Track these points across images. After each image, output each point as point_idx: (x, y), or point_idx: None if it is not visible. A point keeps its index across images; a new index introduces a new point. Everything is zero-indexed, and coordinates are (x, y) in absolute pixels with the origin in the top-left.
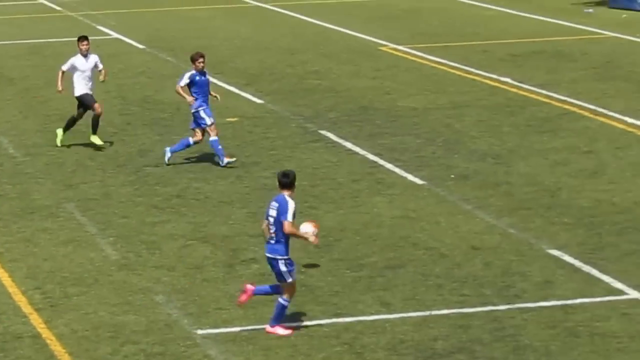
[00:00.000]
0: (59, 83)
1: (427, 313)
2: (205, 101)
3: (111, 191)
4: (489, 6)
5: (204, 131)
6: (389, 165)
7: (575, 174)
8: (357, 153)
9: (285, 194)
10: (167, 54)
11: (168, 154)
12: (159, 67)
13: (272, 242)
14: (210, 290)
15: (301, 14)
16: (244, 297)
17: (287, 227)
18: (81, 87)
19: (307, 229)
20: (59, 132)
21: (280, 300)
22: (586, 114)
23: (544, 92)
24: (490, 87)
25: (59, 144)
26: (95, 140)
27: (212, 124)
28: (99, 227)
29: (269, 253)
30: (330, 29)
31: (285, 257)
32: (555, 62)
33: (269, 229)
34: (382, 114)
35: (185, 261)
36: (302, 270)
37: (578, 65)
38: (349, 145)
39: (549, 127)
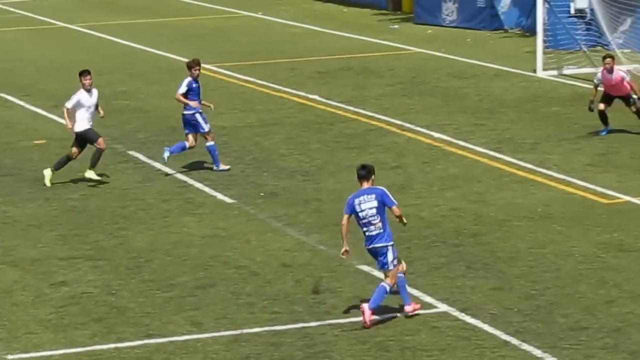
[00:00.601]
0: (67, 121)
1: (238, 332)
2: (199, 108)
3: None
4: (296, 24)
5: (196, 136)
6: (199, 185)
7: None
8: (166, 173)
9: (366, 186)
10: None
11: (166, 153)
12: None
13: (379, 231)
14: (20, 314)
15: (109, 35)
16: (368, 318)
17: (398, 209)
18: (84, 122)
19: None
20: (47, 172)
21: (384, 284)
22: (393, 129)
23: (351, 108)
24: (298, 104)
25: (48, 184)
26: (91, 175)
27: (209, 130)
28: None
29: (376, 243)
30: (138, 49)
31: (392, 243)
32: (362, 79)
33: (367, 223)
34: None
35: None
36: (113, 292)
37: (385, 81)
38: (158, 165)
39: (357, 143)
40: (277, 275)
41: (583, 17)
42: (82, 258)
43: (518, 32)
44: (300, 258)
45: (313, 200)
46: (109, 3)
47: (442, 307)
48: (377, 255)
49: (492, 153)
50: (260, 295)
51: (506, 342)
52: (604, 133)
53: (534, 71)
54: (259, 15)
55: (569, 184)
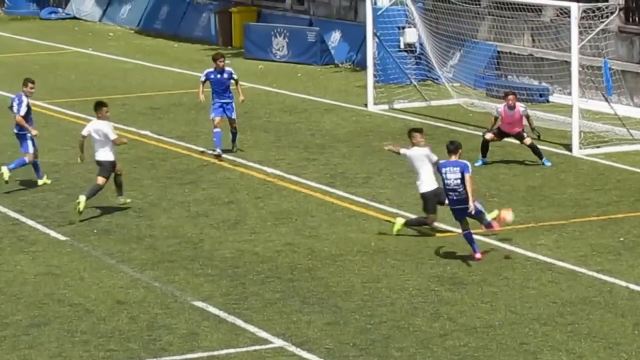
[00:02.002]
0: None
1: None
2: (219, 98)
3: None
4: (127, 59)
5: (222, 120)
6: (31, 222)
7: (218, 225)
8: None
9: (454, 159)
10: None
11: (218, 150)
12: None
13: (461, 196)
14: None
15: None
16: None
17: (470, 178)
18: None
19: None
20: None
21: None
22: (226, 164)
23: (183, 144)
24: (130, 140)
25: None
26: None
27: (213, 118)
28: None
29: (462, 204)
30: None
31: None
32: (194, 114)
33: (452, 190)
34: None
35: None
36: None
37: None
38: None
39: (190, 178)
40: (112, 312)
41: (413, 52)
42: None
43: (349, 66)
44: (134, 295)
45: (147, 236)
46: None
47: (278, 343)
48: (464, 214)
49: (325, 188)
50: (95, 333)
51: None
52: (478, 164)
53: (365, 105)
54: (89, 51)
55: (401, 217)
